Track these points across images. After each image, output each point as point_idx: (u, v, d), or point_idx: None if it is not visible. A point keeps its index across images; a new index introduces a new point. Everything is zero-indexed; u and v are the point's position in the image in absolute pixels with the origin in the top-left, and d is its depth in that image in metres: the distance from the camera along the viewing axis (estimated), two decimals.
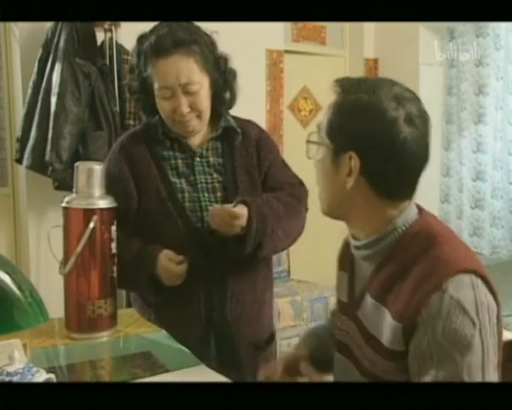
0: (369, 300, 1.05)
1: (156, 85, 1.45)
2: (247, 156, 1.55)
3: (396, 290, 0.99)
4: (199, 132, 1.53)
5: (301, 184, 1.63)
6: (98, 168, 1.39)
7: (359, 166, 1.00)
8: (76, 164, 1.41)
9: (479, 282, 0.95)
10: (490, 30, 4.17)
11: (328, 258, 5.26)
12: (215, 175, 1.52)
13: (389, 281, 1.01)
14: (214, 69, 1.49)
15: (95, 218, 1.35)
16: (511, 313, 2.55)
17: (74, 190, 1.39)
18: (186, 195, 1.48)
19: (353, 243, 1.11)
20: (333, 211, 1.10)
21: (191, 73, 1.44)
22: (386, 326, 0.99)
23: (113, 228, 1.39)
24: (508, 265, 4.24)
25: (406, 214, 1.04)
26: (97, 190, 1.38)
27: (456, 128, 4.40)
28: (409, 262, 0.99)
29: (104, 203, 1.37)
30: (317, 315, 3.61)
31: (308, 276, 3.90)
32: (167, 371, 1.22)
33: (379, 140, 0.98)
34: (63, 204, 1.38)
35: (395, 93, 1.00)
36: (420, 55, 4.42)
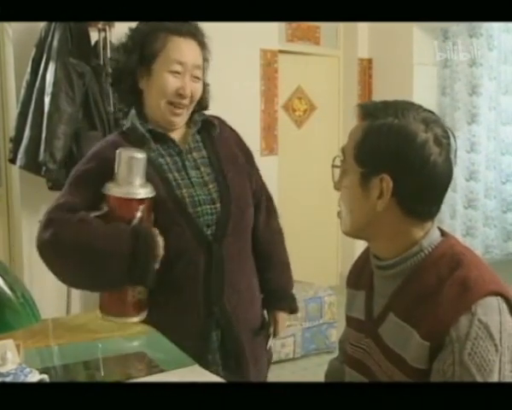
0: (393, 318, 1.07)
1: (167, 58, 1.45)
2: (228, 147, 1.59)
3: (423, 310, 1.01)
4: (178, 128, 1.54)
5: (269, 193, 1.72)
6: (141, 157, 1.38)
7: (391, 188, 1.02)
8: (118, 151, 1.39)
9: (504, 306, 0.98)
10: (483, 30, 4.19)
11: (323, 258, 5.28)
12: (203, 169, 1.53)
13: (415, 301, 1.03)
14: (204, 68, 1.56)
15: (141, 207, 1.36)
16: None
17: (116, 177, 1.38)
18: (184, 191, 1.48)
19: (376, 262, 1.12)
20: (358, 232, 1.11)
21: (201, 61, 1.52)
22: (412, 345, 1.01)
23: (152, 216, 1.41)
24: (501, 264, 4.26)
25: (431, 235, 1.07)
26: (138, 179, 1.37)
27: None
28: (435, 283, 1.02)
29: (145, 192, 1.38)
30: (312, 315, 3.61)
31: (302, 276, 3.90)
32: (162, 371, 1.22)
33: (411, 162, 1.01)
34: (107, 192, 1.37)
35: (423, 116, 1.03)
36: (414, 56, 4.43)
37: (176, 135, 1.54)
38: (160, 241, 1.37)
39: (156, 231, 1.37)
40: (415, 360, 1.00)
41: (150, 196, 1.38)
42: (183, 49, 1.47)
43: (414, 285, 1.05)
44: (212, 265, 1.47)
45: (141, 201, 1.36)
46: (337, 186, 1.12)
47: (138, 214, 1.35)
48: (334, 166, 1.12)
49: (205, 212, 1.48)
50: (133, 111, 1.53)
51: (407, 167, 1.01)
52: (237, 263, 1.52)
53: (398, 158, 1.01)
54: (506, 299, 0.99)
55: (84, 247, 1.33)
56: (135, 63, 1.48)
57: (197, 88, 1.51)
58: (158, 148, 1.51)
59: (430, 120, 1.03)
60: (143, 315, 1.43)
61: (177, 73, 1.46)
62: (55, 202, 1.43)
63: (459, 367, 0.94)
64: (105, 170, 1.39)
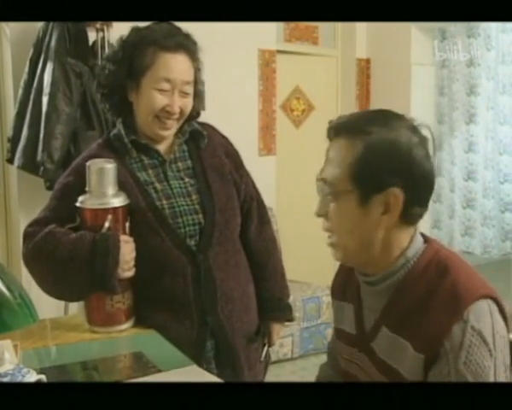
0: (385, 332, 1.06)
1: (155, 76, 1.44)
2: (215, 157, 1.57)
3: (415, 322, 1.00)
4: (167, 139, 1.53)
5: (262, 199, 1.69)
6: (109, 167, 1.40)
7: (402, 201, 1.00)
8: (87, 164, 1.41)
9: (495, 308, 0.98)
10: (481, 31, 4.19)
11: (321, 258, 5.27)
12: (186, 179, 1.52)
13: (407, 313, 1.02)
14: (197, 79, 1.54)
15: (109, 217, 1.37)
16: None
17: (87, 189, 1.40)
18: (164, 202, 1.48)
19: (363, 278, 1.11)
20: (355, 257, 1.08)
21: (191, 76, 1.49)
22: (407, 357, 1.00)
23: (127, 224, 1.42)
24: (499, 264, 4.27)
25: (415, 244, 1.06)
26: (110, 188, 1.39)
27: (447, 128, 4.42)
28: (425, 292, 1.01)
29: (113, 202, 1.39)
30: (310, 315, 3.62)
31: (300, 276, 3.91)
32: (159, 371, 1.21)
33: (414, 171, 1.00)
34: (77, 204, 1.40)
35: (405, 122, 1.03)
36: (412, 56, 4.43)
37: (161, 145, 1.53)
38: (127, 247, 1.38)
39: (123, 237, 1.38)
40: (409, 373, 0.99)
41: (118, 205, 1.39)
42: (171, 67, 1.44)
43: (404, 298, 1.04)
44: (200, 275, 1.46)
45: (107, 210, 1.37)
46: (321, 212, 1.08)
47: (106, 224, 1.36)
48: (325, 194, 1.09)
49: (187, 223, 1.47)
50: (120, 119, 1.53)
51: (412, 177, 1.00)
52: (228, 272, 1.51)
53: (403, 170, 1.00)
54: (495, 300, 0.98)
55: (49, 256, 1.38)
56: (124, 76, 1.47)
57: (186, 103, 1.49)
58: (141, 158, 1.51)
59: (411, 124, 1.03)
60: (128, 324, 1.45)
61: (165, 90, 1.44)
62: (36, 216, 1.50)
63: (455, 376, 0.94)
64: (83, 183, 1.42)
